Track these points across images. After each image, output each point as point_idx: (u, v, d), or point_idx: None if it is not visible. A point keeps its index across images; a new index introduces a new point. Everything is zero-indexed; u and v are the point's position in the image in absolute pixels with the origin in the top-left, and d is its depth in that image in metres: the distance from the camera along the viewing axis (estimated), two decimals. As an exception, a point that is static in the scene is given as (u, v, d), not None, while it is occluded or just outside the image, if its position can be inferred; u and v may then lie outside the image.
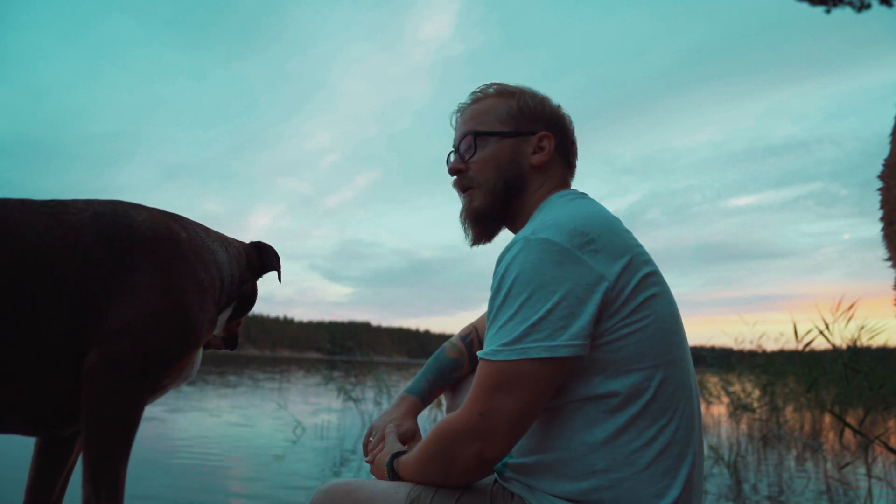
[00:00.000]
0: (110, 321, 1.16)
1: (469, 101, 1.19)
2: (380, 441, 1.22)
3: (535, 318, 0.91)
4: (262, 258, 1.66)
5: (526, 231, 0.97)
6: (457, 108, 1.21)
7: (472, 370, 1.38)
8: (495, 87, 1.18)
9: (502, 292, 0.95)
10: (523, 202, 1.13)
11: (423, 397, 1.33)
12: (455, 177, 1.18)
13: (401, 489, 1.02)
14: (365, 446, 1.27)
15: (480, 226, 1.16)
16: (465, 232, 1.18)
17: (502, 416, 0.91)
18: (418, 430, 1.27)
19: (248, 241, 1.66)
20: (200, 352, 1.40)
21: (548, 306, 0.91)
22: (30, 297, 1.13)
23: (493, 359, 0.92)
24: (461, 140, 1.17)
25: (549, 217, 0.99)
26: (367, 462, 1.23)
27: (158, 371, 1.21)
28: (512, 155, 1.13)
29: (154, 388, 1.23)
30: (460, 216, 1.18)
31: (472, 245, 1.19)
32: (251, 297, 1.61)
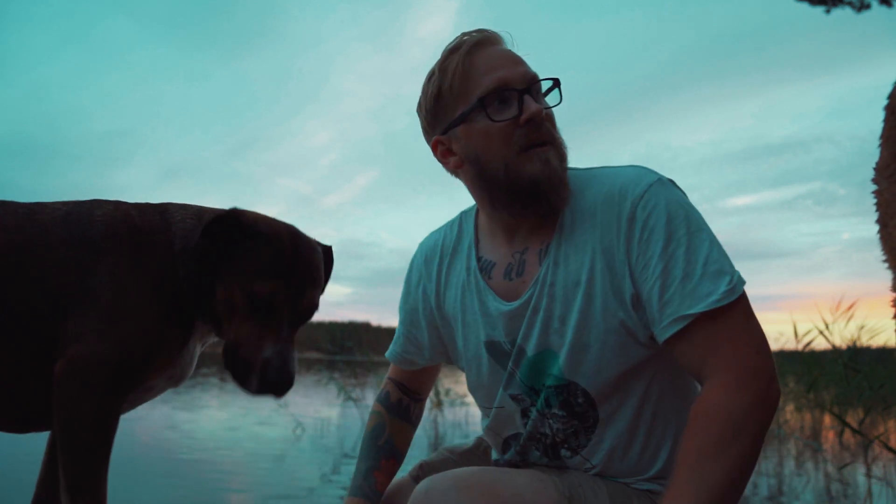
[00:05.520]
0: (69, 326, 1.12)
1: (498, 39, 1.03)
2: None
3: (721, 249, 0.90)
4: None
5: (646, 176, 0.94)
6: (490, 33, 1.03)
7: (401, 425, 1.25)
8: (501, 35, 1.04)
9: (679, 231, 0.89)
10: None
11: (364, 492, 1.16)
12: (530, 121, 0.95)
13: (549, 486, 0.93)
14: None
15: (567, 190, 0.98)
16: (553, 195, 0.96)
17: (768, 344, 0.87)
18: None
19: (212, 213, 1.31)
20: (195, 351, 1.33)
21: (715, 239, 0.91)
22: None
23: (740, 291, 0.86)
24: (535, 80, 0.98)
25: (629, 168, 0.98)
26: None
27: (127, 375, 1.15)
28: None
29: (126, 392, 1.17)
30: (538, 177, 0.95)
31: (551, 214, 0.99)
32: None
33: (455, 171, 1.06)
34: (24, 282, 1.13)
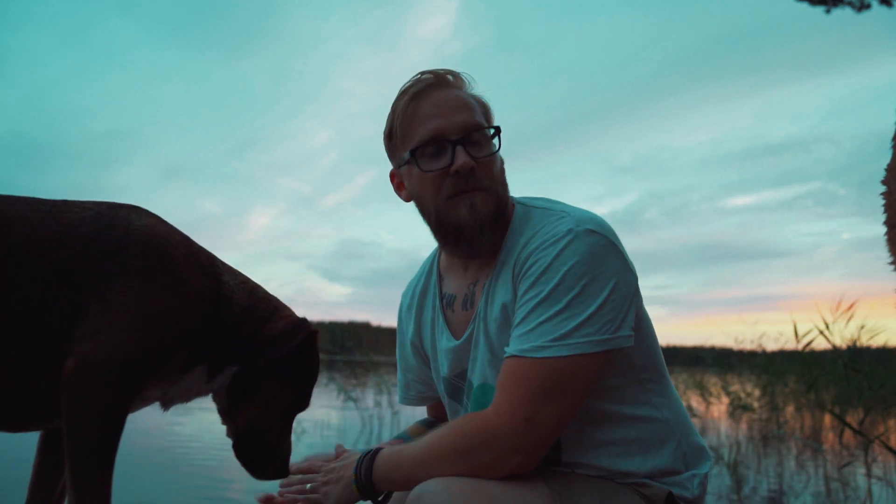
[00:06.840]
0: (84, 325, 1.13)
1: (452, 82, 1.05)
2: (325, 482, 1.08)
3: (588, 313, 0.89)
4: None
5: (564, 224, 0.95)
6: (444, 76, 1.04)
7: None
8: (461, 75, 1.07)
9: (549, 284, 0.91)
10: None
11: (398, 437, 1.25)
12: (457, 173, 0.99)
13: (540, 486, 0.95)
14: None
15: (489, 236, 1.02)
16: (473, 240, 1.01)
17: (552, 423, 0.89)
18: None
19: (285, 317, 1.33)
20: (190, 388, 1.31)
21: (599, 301, 0.90)
22: (9, 289, 1.11)
23: (541, 355, 0.88)
24: (473, 130, 1.01)
25: (573, 213, 0.98)
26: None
27: (135, 377, 1.16)
28: (502, 159, 1.09)
29: (134, 393, 1.18)
30: (461, 222, 1.00)
31: (472, 258, 1.07)
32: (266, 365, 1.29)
33: (407, 201, 1.13)
34: (41, 277, 1.14)
